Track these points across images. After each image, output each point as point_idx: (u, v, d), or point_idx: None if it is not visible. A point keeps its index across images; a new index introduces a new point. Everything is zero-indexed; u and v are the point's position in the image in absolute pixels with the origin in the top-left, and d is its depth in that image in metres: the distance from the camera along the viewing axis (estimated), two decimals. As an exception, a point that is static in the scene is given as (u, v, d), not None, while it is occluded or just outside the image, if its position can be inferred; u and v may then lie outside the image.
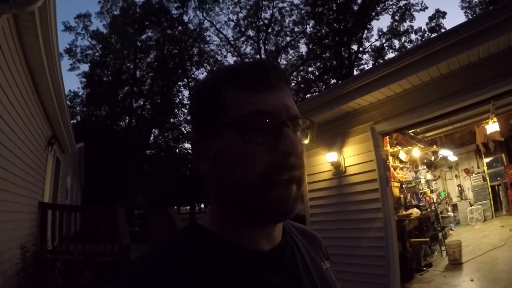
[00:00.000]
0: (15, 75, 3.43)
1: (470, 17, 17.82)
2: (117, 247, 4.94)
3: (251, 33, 23.47)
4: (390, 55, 21.40)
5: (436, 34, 15.64)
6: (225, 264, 0.47)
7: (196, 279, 0.43)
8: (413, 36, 20.63)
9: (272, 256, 0.51)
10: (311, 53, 22.19)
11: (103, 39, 23.05)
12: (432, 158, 8.56)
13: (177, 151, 24.48)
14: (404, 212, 5.64)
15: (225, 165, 0.48)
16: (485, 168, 8.04)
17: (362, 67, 21.52)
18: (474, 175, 8.50)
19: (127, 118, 23.09)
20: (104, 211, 6.73)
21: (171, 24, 23.15)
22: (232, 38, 23.90)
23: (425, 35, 20.03)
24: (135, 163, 20.97)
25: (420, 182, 7.56)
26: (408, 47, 19.58)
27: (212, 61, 23.73)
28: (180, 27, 23.50)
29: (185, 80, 24.24)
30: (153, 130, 23.86)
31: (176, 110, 23.95)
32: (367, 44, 22.02)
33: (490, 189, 7.88)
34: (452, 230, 7.34)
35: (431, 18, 20.23)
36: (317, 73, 22.56)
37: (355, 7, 21.13)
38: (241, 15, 22.98)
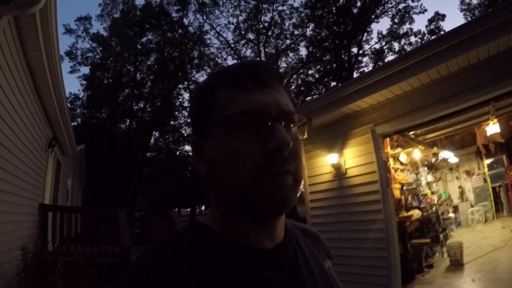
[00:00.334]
0: (15, 76, 3.44)
1: (469, 19, 17.85)
2: (117, 249, 4.94)
3: (251, 36, 23.55)
4: (390, 57, 21.50)
5: (435, 36, 15.71)
6: (226, 262, 0.47)
7: (197, 278, 0.43)
8: (412, 39, 20.73)
9: (274, 254, 0.51)
10: (311, 56, 22.23)
11: (104, 42, 23.11)
12: (433, 160, 8.54)
13: (177, 153, 24.53)
14: (405, 214, 5.63)
15: (218, 165, 0.48)
16: (486, 169, 8.04)
17: (362, 69, 21.59)
18: (474, 176, 8.49)
19: (128, 120, 23.14)
20: (104, 213, 6.73)
21: (171, 27, 23.23)
22: (232, 41, 24.01)
23: (425, 37, 20.10)
24: (135, 166, 20.99)
25: (420, 184, 7.54)
26: (408, 49, 19.63)
27: (212, 64, 23.76)
28: (180, 30, 23.58)
29: (186, 82, 24.28)
30: (154, 132, 23.92)
31: (176, 113, 24.04)
32: (367, 46, 22.13)
33: (491, 191, 7.87)
34: (453, 231, 7.33)
35: (430, 21, 20.31)
36: (317, 76, 22.58)
37: (355, 10, 21.21)
38: (241, 18, 23.06)
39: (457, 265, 4.84)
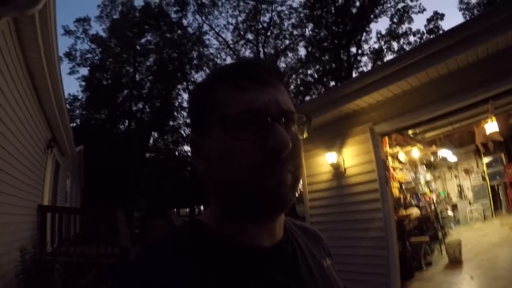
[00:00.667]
0: (14, 78, 3.44)
1: (468, 18, 17.88)
2: (117, 250, 4.94)
3: (250, 36, 23.52)
4: (389, 57, 21.50)
5: (434, 36, 15.75)
6: (225, 259, 0.47)
7: (196, 275, 0.44)
8: (411, 38, 20.70)
9: (273, 252, 0.51)
10: (310, 56, 22.22)
11: (103, 43, 23.05)
12: (432, 159, 8.54)
13: (176, 154, 24.49)
14: (404, 212, 5.64)
15: (216, 163, 0.48)
16: (485, 168, 8.06)
17: (361, 69, 21.57)
18: (473, 175, 8.51)
19: (127, 121, 23.06)
20: (104, 213, 6.70)
21: (170, 27, 23.20)
22: (231, 42, 23.95)
23: (424, 37, 20.10)
24: (134, 166, 20.94)
25: (419, 182, 7.55)
26: (407, 49, 19.65)
27: (212, 65, 23.70)
28: (179, 31, 23.53)
29: (185, 83, 24.26)
30: (153, 133, 23.86)
31: (175, 113, 23.98)
32: (366, 46, 22.08)
33: (489, 189, 7.89)
34: (452, 229, 7.35)
35: (429, 20, 20.29)
36: (316, 76, 22.57)
37: (354, 10, 21.21)
38: (240, 18, 23.01)
39: (455, 262, 4.85)
